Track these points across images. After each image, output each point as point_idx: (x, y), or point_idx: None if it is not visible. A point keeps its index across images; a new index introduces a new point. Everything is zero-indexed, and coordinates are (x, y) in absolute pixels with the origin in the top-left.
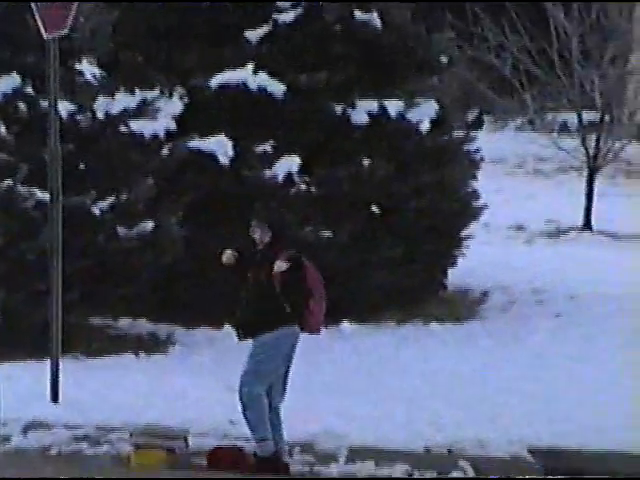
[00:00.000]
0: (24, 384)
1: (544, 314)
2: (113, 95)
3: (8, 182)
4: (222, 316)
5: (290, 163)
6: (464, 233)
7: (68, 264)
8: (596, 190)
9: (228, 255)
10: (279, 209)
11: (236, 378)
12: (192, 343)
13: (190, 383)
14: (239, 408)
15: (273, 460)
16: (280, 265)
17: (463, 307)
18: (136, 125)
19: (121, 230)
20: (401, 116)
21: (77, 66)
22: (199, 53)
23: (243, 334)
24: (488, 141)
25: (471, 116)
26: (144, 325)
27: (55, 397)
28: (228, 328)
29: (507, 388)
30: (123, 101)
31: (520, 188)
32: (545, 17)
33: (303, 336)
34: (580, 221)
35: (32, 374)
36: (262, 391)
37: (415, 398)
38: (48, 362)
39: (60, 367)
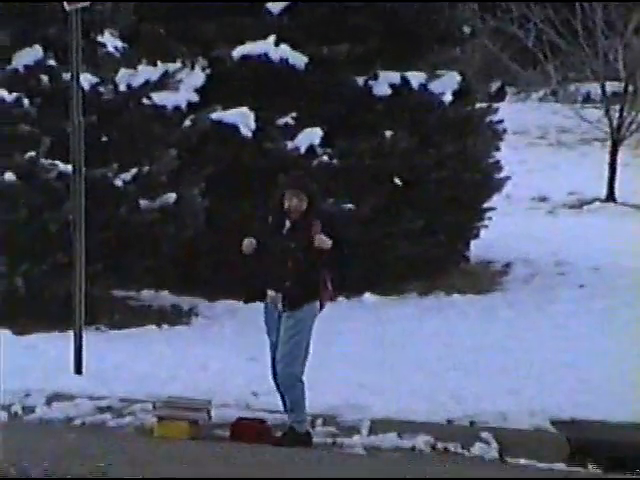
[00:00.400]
0: (48, 355)
1: (567, 285)
2: (135, 67)
3: (31, 154)
4: (244, 288)
5: (312, 135)
6: (486, 204)
7: (91, 236)
8: (619, 161)
9: (247, 243)
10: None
11: (258, 350)
12: (214, 315)
13: (213, 354)
14: (279, 389)
15: (304, 435)
16: (324, 240)
17: (485, 279)
18: (158, 97)
19: (143, 202)
20: (423, 87)
21: (99, 38)
22: (221, 24)
23: (292, 305)
24: (511, 112)
25: (494, 87)
26: (167, 297)
27: (79, 368)
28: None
29: (529, 359)
30: (145, 73)
31: (543, 159)
32: None
33: (325, 308)
34: (603, 192)
35: (56, 346)
36: (303, 371)
37: (437, 370)
38: (71, 334)
39: (83, 339)
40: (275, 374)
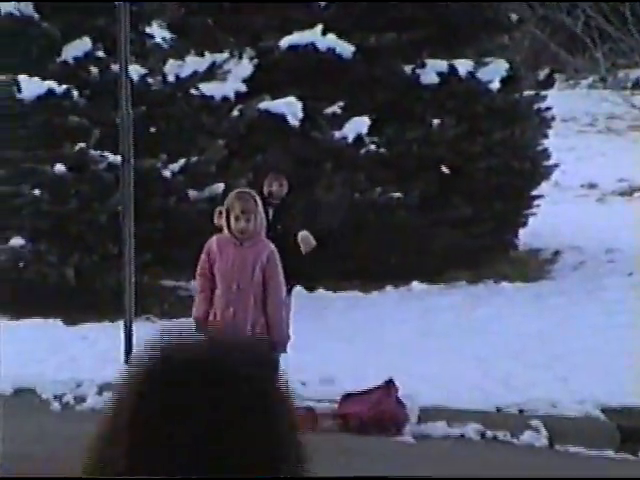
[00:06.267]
0: (98, 345)
1: (616, 273)
2: (183, 58)
3: (81, 145)
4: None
5: (360, 124)
6: (535, 192)
7: (140, 226)
8: None
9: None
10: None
11: (308, 339)
12: None
13: None
14: None
15: None
16: (309, 241)
17: (534, 266)
18: (206, 88)
19: (192, 192)
20: (471, 75)
21: (147, 30)
22: (268, 15)
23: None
24: (559, 100)
25: (542, 74)
26: None
27: (129, 358)
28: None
29: (578, 347)
30: (193, 64)
31: (592, 146)
32: None
33: (374, 297)
34: None
35: (106, 335)
36: None
37: (486, 358)
38: (122, 323)
39: (133, 328)
40: None
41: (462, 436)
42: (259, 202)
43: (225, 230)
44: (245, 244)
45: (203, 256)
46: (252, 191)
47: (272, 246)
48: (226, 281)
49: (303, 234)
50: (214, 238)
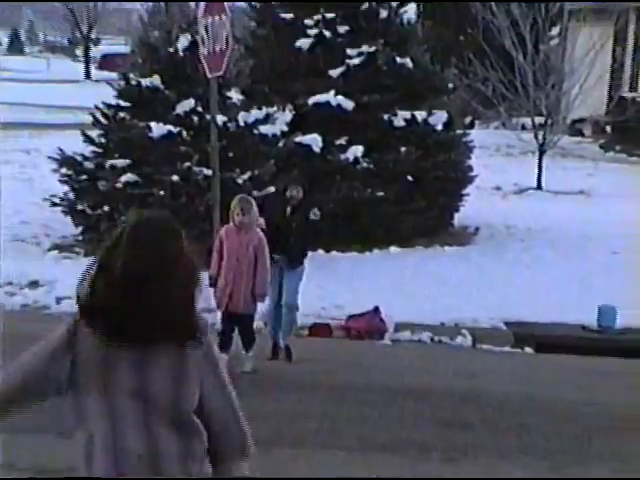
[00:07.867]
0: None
1: (514, 240)
2: (249, 111)
3: (187, 164)
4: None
5: (356, 151)
6: (464, 192)
7: (223, 214)
8: (544, 165)
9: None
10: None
11: (324, 280)
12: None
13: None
14: (289, 318)
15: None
16: (317, 213)
17: (464, 237)
18: (263, 129)
19: (255, 192)
20: (424, 121)
21: (227, 93)
22: (302, 84)
23: (294, 264)
24: (478, 136)
25: (467, 120)
26: None
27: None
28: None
29: (492, 286)
30: (255, 114)
31: (498, 164)
32: (512, 60)
33: (367, 257)
34: (535, 184)
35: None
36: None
37: (436, 293)
38: None
39: None
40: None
41: (419, 340)
42: (254, 203)
43: (231, 222)
44: (243, 231)
45: (217, 240)
46: (248, 197)
47: (261, 234)
48: (230, 255)
49: (316, 211)
50: (224, 228)
